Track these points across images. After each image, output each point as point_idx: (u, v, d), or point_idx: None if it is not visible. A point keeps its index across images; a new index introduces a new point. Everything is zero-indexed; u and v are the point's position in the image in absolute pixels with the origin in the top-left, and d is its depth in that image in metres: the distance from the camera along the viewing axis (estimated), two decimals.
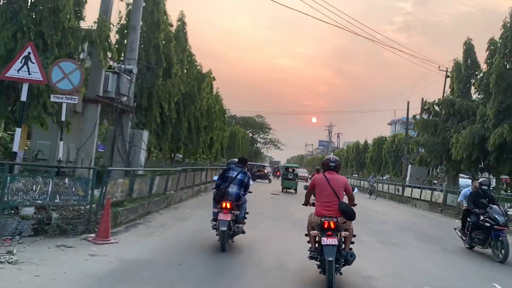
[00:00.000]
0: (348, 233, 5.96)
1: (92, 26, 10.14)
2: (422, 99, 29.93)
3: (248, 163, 10.50)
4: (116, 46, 15.99)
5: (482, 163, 21.79)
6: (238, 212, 7.91)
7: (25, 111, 8.51)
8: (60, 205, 7.95)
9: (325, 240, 5.65)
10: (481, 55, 23.30)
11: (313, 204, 6.42)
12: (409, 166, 31.18)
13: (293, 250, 8.40)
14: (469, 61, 23.76)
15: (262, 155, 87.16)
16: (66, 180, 7.99)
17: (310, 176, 47.32)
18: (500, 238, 9.06)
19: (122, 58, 14.77)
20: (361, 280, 6.61)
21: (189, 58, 21.21)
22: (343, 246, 5.90)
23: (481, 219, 9.64)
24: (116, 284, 5.50)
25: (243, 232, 8.30)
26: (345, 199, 6.19)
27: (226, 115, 40.21)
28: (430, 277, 7.40)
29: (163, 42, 17.47)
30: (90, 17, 10.61)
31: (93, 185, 8.34)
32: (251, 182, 8.34)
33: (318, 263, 6.05)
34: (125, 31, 15.67)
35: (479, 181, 10.60)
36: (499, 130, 18.20)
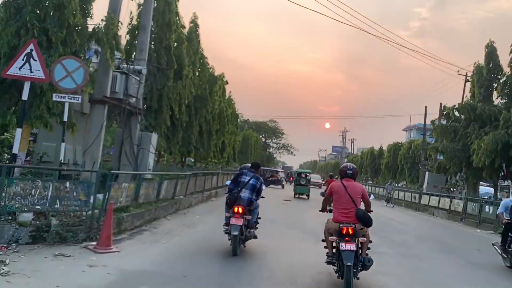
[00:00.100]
0: (365, 238, 6.13)
1: (99, 24, 9.78)
2: (441, 104, 29.11)
3: (261, 168, 10.34)
4: (128, 47, 15.75)
5: (504, 170, 20.90)
6: (250, 217, 7.88)
7: (27, 111, 8.16)
8: (61, 211, 7.51)
9: (344, 246, 5.81)
10: (503, 58, 22.47)
11: (330, 211, 6.58)
12: (427, 173, 30.23)
13: (306, 261, 7.91)
14: (491, 65, 22.82)
15: (275, 160, 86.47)
16: (67, 184, 7.55)
17: (323, 182, 46.54)
18: None
19: (132, 59, 14.46)
20: None
21: (201, 61, 20.84)
22: (360, 252, 6.05)
23: None
24: None
25: (255, 237, 8.23)
26: (362, 206, 6.30)
27: (238, 120, 39.85)
28: None
29: (175, 43, 17.11)
30: (99, 16, 10.27)
31: (95, 189, 7.90)
32: (263, 187, 8.33)
33: (335, 268, 6.23)
34: (136, 32, 15.32)
35: None
36: None
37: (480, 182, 25.45)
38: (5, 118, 8.77)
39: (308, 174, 29.28)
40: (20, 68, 7.62)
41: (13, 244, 6.69)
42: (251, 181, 8.01)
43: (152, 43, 15.89)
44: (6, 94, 8.53)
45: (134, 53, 14.50)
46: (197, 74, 20.12)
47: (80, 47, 9.20)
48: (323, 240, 6.55)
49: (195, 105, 19.32)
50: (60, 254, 6.56)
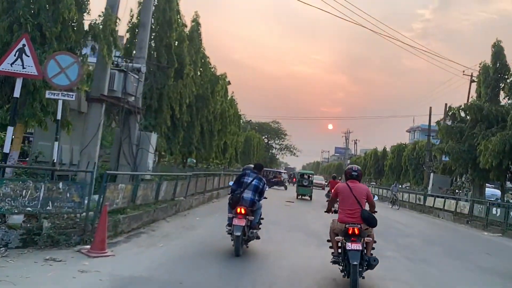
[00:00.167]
0: (370, 238, 6.27)
1: (96, 20, 9.45)
2: (446, 104, 28.64)
3: (264, 169, 10.32)
4: (128, 45, 15.44)
5: (511, 172, 20.48)
6: (253, 217, 7.91)
7: (20, 109, 7.85)
8: (53, 213, 7.20)
9: (350, 245, 5.93)
10: (510, 59, 22.05)
11: (335, 211, 6.77)
12: (431, 174, 29.76)
13: (309, 266, 7.58)
14: (498, 64, 22.36)
15: (278, 161, 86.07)
16: (60, 185, 7.22)
17: (326, 183, 46.12)
18: None
19: (132, 58, 14.13)
20: None
21: (203, 60, 20.45)
22: (365, 251, 6.15)
23: None
24: None
25: (258, 237, 8.27)
26: (366, 206, 6.45)
27: (241, 121, 39.50)
28: None
29: (176, 42, 16.77)
30: (96, 12, 9.96)
31: (90, 190, 7.57)
32: (266, 188, 8.39)
33: (341, 267, 6.33)
34: (136, 30, 15.01)
35: None
36: None
37: (486, 184, 25.01)
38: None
39: (310, 175, 29.07)
40: (11, 64, 7.29)
41: (1, 248, 6.38)
42: (253, 182, 8.05)
43: (153, 41, 15.57)
44: None
45: (134, 52, 14.19)
46: (198, 73, 19.78)
47: (76, 43, 8.86)
48: (328, 240, 6.69)
49: (196, 104, 18.96)
50: (51, 259, 6.23)
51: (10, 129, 7.34)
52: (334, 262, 6.40)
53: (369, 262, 6.11)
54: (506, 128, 19.37)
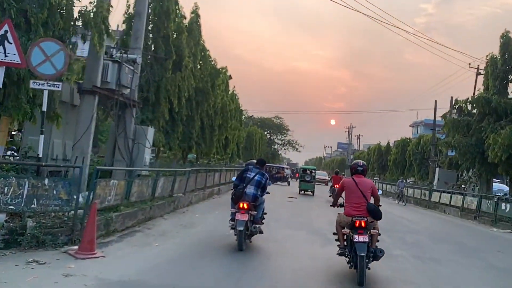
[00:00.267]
0: (376, 231, 6.41)
1: (87, 6, 8.93)
2: (452, 97, 27.97)
3: (267, 165, 10.33)
4: (124, 37, 14.93)
5: None
6: (256, 212, 7.99)
7: (4, 100, 7.37)
8: (38, 211, 6.72)
9: (357, 238, 6.08)
10: None
11: (340, 205, 7.01)
12: (437, 169, 29.18)
13: (313, 267, 7.10)
14: (506, 56, 21.74)
15: (280, 156, 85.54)
16: (46, 181, 6.73)
17: (329, 179, 45.63)
18: None
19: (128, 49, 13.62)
20: None
21: (202, 53, 19.92)
22: (370, 243, 6.26)
23: None
24: None
25: (261, 232, 8.36)
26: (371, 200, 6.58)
27: (243, 116, 38.98)
28: None
29: (174, 33, 16.26)
30: None
31: (79, 187, 7.09)
32: (269, 183, 8.46)
33: (347, 259, 6.53)
34: (133, 21, 14.51)
35: None
36: None
37: (493, 179, 24.44)
38: None
39: (313, 171, 28.72)
40: None
41: None
42: (256, 177, 8.12)
43: (150, 32, 15.07)
44: None
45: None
46: (198, 66, 19.26)
47: (65, 31, 8.35)
48: (334, 233, 6.88)
49: (196, 98, 18.46)
50: (34, 261, 5.75)
51: None
52: (340, 254, 6.60)
53: (375, 253, 6.28)
54: None
